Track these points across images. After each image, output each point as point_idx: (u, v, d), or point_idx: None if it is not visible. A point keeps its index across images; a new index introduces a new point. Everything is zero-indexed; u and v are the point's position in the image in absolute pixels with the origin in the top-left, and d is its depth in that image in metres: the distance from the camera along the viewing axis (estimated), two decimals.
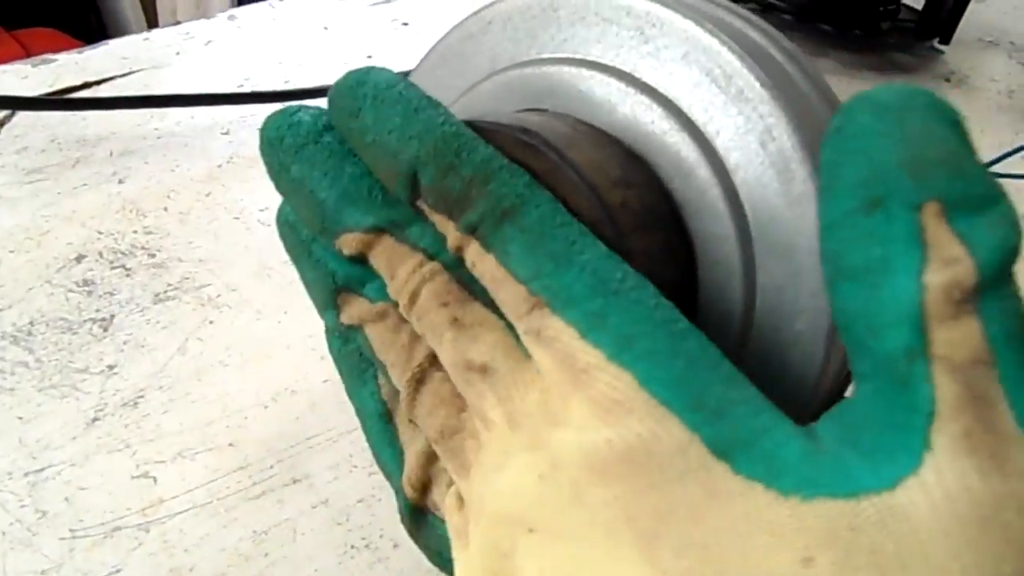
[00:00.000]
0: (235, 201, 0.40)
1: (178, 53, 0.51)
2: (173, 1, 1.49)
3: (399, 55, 0.52)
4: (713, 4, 0.22)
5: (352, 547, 0.27)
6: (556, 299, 0.15)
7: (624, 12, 0.20)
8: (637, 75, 0.20)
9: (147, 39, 0.52)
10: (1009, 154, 0.43)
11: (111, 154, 0.43)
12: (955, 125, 0.13)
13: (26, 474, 0.28)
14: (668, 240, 0.19)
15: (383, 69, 0.18)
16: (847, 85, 0.52)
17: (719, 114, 0.19)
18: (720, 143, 0.19)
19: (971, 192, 0.12)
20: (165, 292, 0.35)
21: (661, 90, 0.19)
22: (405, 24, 0.56)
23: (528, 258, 0.15)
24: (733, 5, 0.22)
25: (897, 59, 0.56)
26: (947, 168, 0.12)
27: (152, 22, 1.61)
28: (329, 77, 0.49)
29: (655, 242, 0.18)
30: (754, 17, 0.22)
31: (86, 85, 0.48)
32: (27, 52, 1.44)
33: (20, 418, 0.29)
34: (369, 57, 0.52)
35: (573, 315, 0.15)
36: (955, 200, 0.12)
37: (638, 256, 0.17)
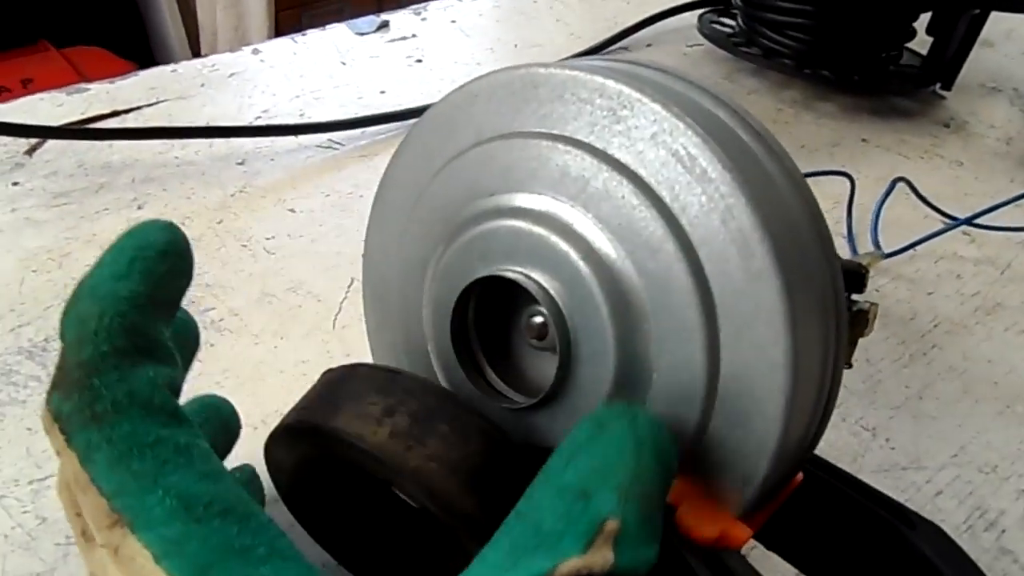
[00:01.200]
0: (243, 229, 0.43)
1: (203, 85, 0.54)
2: (214, 23, 1.55)
3: (411, 91, 0.55)
4: (685, 83, 0.23)
5: (324, 566, 0.28)
6: (136, 520, 0.15)
7: (598, 93, 0.21)
8: (610, 152, 0.21)
9: (175, 71, 0.56)
10: (1002, 204, 0.43)
11: (133, 181, 0.46)
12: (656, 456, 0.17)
13: (30, 482, 0.30)
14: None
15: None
16: (846, 129, 0.54)
17: (684, 192, 0.20)
18: (684, 220, 0.20)
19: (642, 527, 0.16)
20: None
21: (631, 168, 0.21)
22: (419, 61, 0.58)
23: (112, 472, 0.15)
24: (705, 85, 0.23)
25: (897, 104, 0.57)
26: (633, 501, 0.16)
27: (194, 42, 1.67)
28: (342, 111, 0.52)
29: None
30: (724, 96, 0.23)
31: (115, 113, 0.51)
32: (75, 69, 1.51)
33: (29, 429, 0.32)
34: (382, 92, 0.54)
35: (151, 538, 0.15)
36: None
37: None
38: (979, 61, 0.63)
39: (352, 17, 0.63)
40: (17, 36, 1.56)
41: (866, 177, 0.49)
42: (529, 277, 0.22)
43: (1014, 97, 0.59)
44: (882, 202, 0.43)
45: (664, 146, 0.20)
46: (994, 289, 0.42)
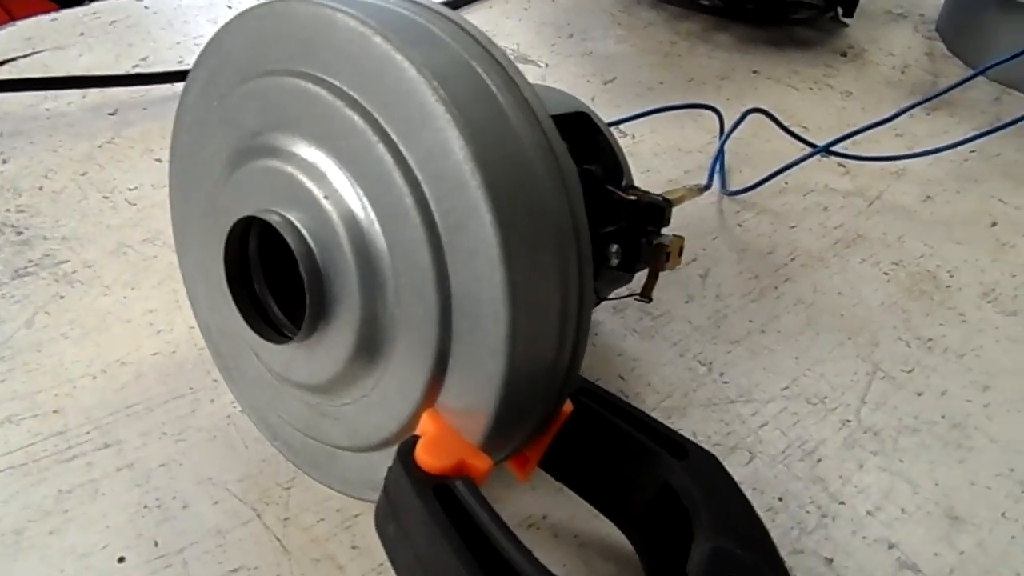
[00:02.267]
0: (107, 181, 0.42)
1: (82, 34, 0.53)
2: None
3: None
4: (435, 15, 0.23)
5: (145, 507, 0.29)
6: None
7: (340, 32, 0.21)
8: (346, 91, 0.21)
9: (55, 19, 0.54)
10: (860, 131, 0.43)
11: (1, 135, 0.45)
12: None
13: None
14: None
15: None
16: (737, 62, 0.53)
17: (410, 132, 0.20)
18: (411, 159, 0.20)
19: None
20: (24, 268, 0.38)
21: (365, 106, 0.21)
22: None
23: None
24: (453, 16, 0.23)
25: (797, 34, 0.55)
26: None
27: None
28: None
29: None
30: (470, 27, 0.23)
31: None
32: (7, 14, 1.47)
33: None
34: None
35: None
36: None
37: None
38: None
39: None
40: None
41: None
42: (284, 217, 0.22)
43: (919, 23, 0.58)
44: (729, 133, 0.42)
45: (389, 80, 0.21)
46: (858, 221, 0.42)
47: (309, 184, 0.22)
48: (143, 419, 0.32)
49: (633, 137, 0.46)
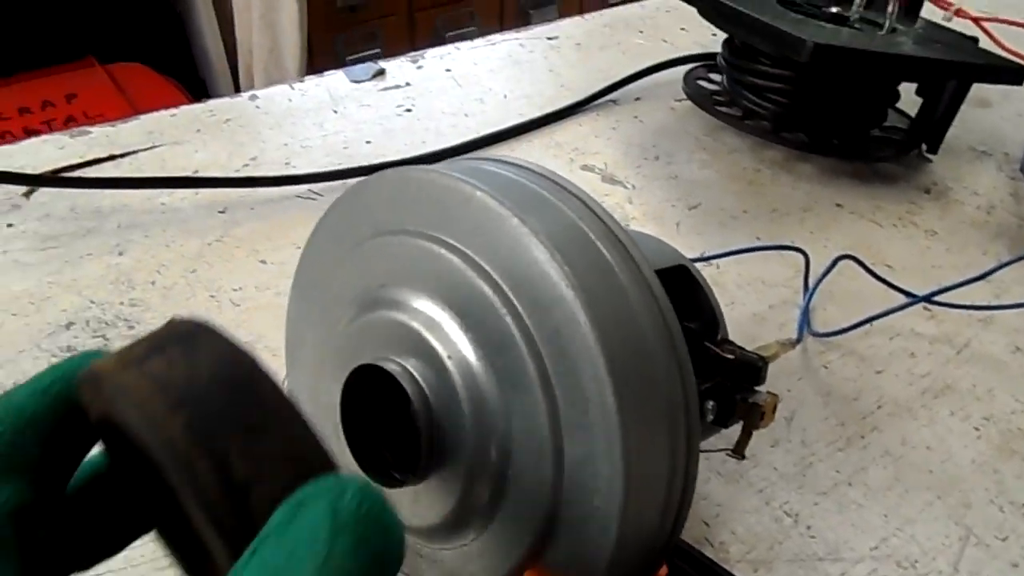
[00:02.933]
0: (214, 280, 0.45)
1: (198, 130, 0.57)
2: (250, 41, 1.60)
3: (396, 141, 0.56)
4: (560, 191, 0.25)
5: None
6: None
7: (468, 202, 0.23)
8: (477, 260, 0.23)
9: (174, 115, 0.58)
10: (961, 284, 0.43)
11: (119, 226, 0.48)
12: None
13: None
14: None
15: None
16: (820, 193, 0.54)
17: (537, 308, 0.22)
18: (537, 335, 0.22)
19: None
20: None
21: (494, 277, 0.23)
22: (409, 110, 0.60)
23: None
24: (577, 192, 0.25)
25: (880, 168, 0.56)
26: None
27: (232, 58, 1.72)
28: (327, 161, 0.54)
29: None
30: (592, 203, 0.24)
31: (112, 157, 0.54)
32: (117, 85, 1.57)
33: None
34: (368, 143, 0.56)
35: None
36: None
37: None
38: (973, 122, 0.62)
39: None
40: (65, 51, 1.63)
41: (834, 245, 0.49)
42: (404, 368, 0.24)
43: (1003, 162, 0.58)
44: (819, 281, 0.43)
45: (520, 260, 0.22)
46: (947, 370, 0.41)
47: (434, 342, 0.23)
48: None
49: (718, 267, 0.47)
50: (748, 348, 0.36)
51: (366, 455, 0.26)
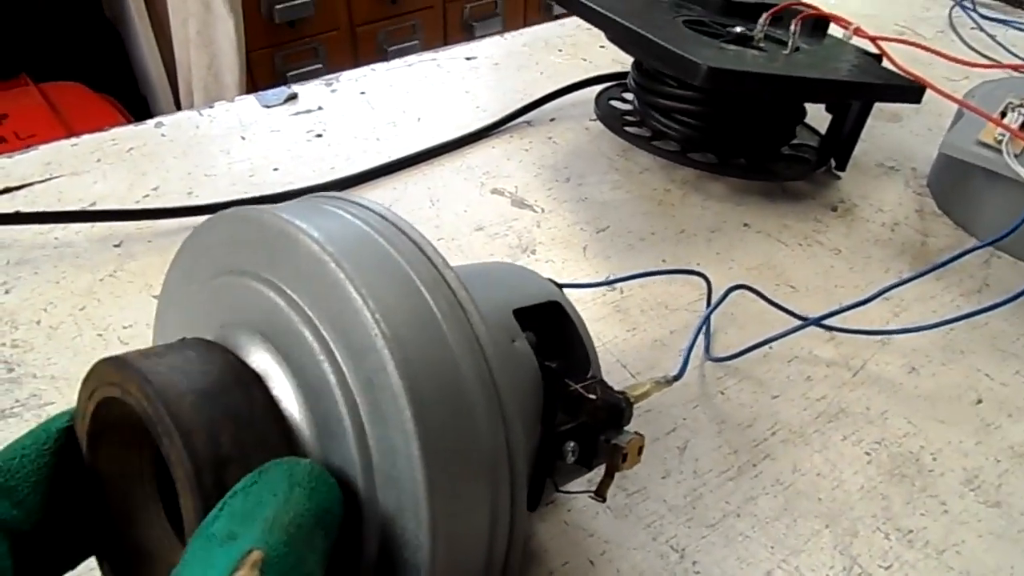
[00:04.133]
0: (104, 317, 0.43)
1: (99, 160, 0.55)
2: (188, 59, 1.57)
3: (304, 168, 0.55)
4: (393, 231, 0.24)
5: None
6: None
7: (297, 248, 0.23)
8: (300, 304, 0.23)
9: (75, 144, 0.57)
10: (850, 307, 0.43)
11: (8, 263, 0.47)
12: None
13: None
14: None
15: None
16: (730, 213, 0.54)
17: (353, 359, 0.21)
18: (353, 383, 0.21)
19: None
20: (11, 409, 0.38)
21: (315, 322, 0.22)
22: (319, 136, 0.59)
23: None
24: (414, 236, 0.24)
25: (789, 185, 0.57)
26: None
27: (172, 77, 1.69)
28: (232, 190, 0.53)
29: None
30: (426, 246, 0.24)
31: (7, 190, 0.52)
32: (50, 105, 1.53)
33: None
34: (275, 170, 0.55)
35: None
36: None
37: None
38: (883, 137, 0.63)
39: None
40: None
41: (739, 267, 0.49)
42: None
43: (910, 177, 0.59)
44: (712, 309, 0.43)
45: (337, 306, 0.22)
46: (841, 393, 0.42)
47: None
48: None
49: (622, 292, 0.47)
50: (635, 381, 0.36)
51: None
